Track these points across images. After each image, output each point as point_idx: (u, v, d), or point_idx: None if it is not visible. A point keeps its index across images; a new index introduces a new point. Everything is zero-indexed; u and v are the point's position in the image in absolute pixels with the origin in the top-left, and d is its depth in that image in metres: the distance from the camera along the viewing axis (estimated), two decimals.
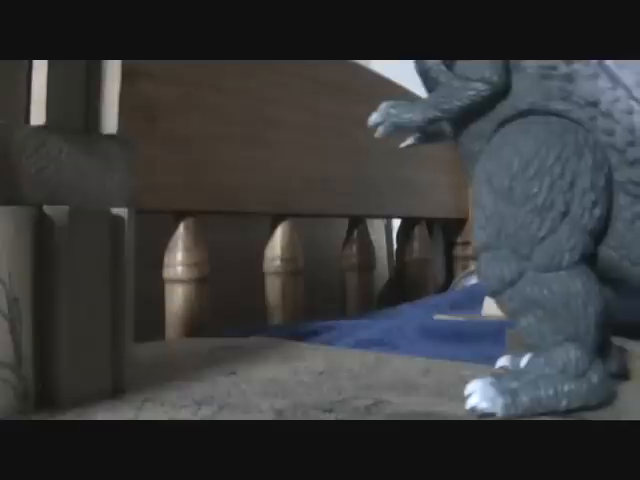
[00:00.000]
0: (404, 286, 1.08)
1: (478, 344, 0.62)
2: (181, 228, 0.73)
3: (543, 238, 0.38)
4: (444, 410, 0.39)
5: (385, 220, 1.27)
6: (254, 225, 0.88)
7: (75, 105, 0.43)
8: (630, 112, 0.39)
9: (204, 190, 0.75)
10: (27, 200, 0.39)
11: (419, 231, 1.10)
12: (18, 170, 0.39)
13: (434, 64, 0.42)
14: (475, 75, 0.40)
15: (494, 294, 0.40)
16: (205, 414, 0.38)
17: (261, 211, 0.83)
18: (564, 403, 0.38)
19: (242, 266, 0.84)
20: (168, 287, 0.73)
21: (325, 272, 1.00)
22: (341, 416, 0.38)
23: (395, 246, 1.16)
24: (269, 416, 0.38)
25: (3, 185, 0.38)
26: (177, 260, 0.73)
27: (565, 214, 0.38)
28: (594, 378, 0.38)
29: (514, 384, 0.38)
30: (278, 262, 0.83)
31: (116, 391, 0.42)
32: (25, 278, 0.38)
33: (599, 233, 0.40)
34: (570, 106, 0.40)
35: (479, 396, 0.37)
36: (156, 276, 0.73)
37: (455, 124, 0.44)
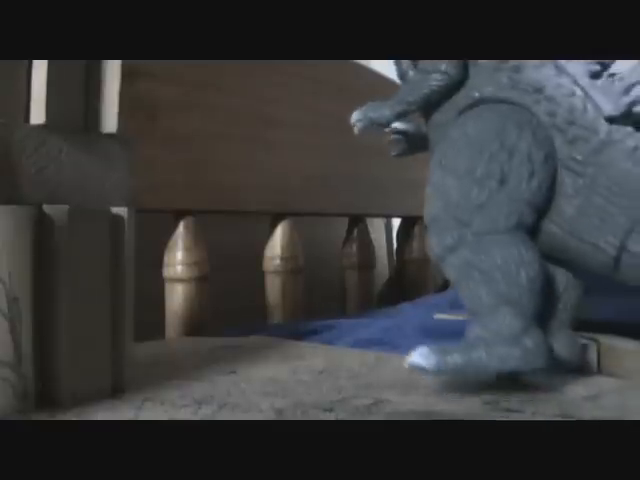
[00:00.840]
0: (404, 285, 1.08)
1: None
2: (181, 227, 0.73)
3: (481, 205, 0.41)
4: (444, 409, 0.39)
5: (385, 219, 1.27)
6: (254, 224, 0.88)
7: (75, 104, 0.43)
8: (571, 95, 0.42)
9: (204, 189, 0.75)
10: (27, 199, 0.39)
11: (419, 230, 1.10)
12: (18, 169, 0.39)
13: (408, 65, 0.46)
14: (433, 68, 0.43)
15: (438, 260, 0.42)
16: (205, 413, 0.38)
17: (261, 210, 0.83)
18: (495, 365, 0.39)
19: (242, 265, 0.84)
20: (168, 286, 0.73)
21: (325, 271, 1.00)
22: (341, 415, 0.38)
23: (395, 245, 1.16)
24: (269, 415, 0.38)
25: (3, 184, 0.38)
26: (177, 259, 0.73)
27: (502, 182, 0.41)
28: (528, 344, 0.40)
29: (450, 346, 0.40)
30: (278, 261, 0.83)
31: (116, 390, 0.42)
32: (25, 277, 0.38)
33: (541, 206, 0.42)
34: (517, 93, 0.43)
35: (415, 354, 0.39)
36: (156, 275, 0.73)
37: (424, 117, 0.47)
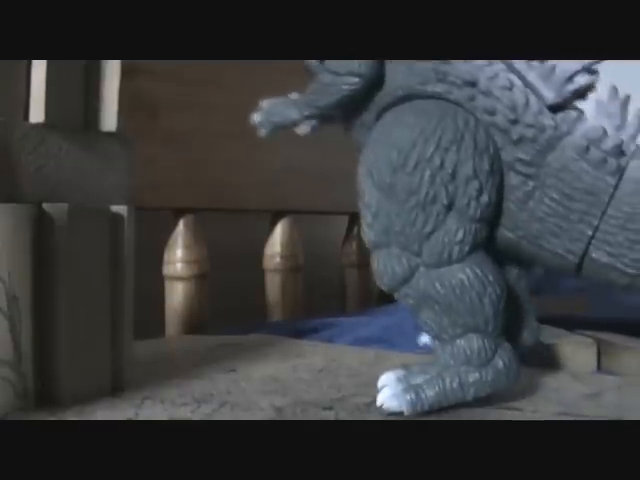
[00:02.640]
0: None
1: None
2: (181, 225, 0.73)
3: (430, 233, 0.37)
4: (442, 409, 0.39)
5: None
6: (254, 222, 0.88)
7: (74, 103, 0.43)
8: (510, 87, 0.38)
9: (204, 187, 0.75)
10: (27, 198, 0.39)
11: None
12: (18, 168, 0.39)
13: (315, 63, 0.42)
14: (344, 69, 0.40)
15: (391, 291, 0.39)
16: (205, 412, 0.38)
17: (261, 208, 0.83)
18: (471, 393, 0.38)
19: (242, 263, 0.84)
20: (168, 284, 0.73)
21: (325, 269, 1.00)
22: (341, 414, 0.38)
23: None
24: (269, 414, 0.38)
25: (3, 183, 0.38)
26: (177, 257, 0.73)
27: (450, 206, 0.38)
28: (499, 364, 0.38)
29: (420, 379, 0.38)
30: (278, 259, 0.83)
31: (116, 389, 0.42)
32: (25, 276, 0.38)
33: (492, 217, 0.39)
34: (447, 87, 0.39)
35: (387, 393, 0.37)
36: (156, 273, 0.73)
37: (342, 117, 0.43)
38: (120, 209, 0.43)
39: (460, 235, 0.37)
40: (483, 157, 0.38)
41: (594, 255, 0.38)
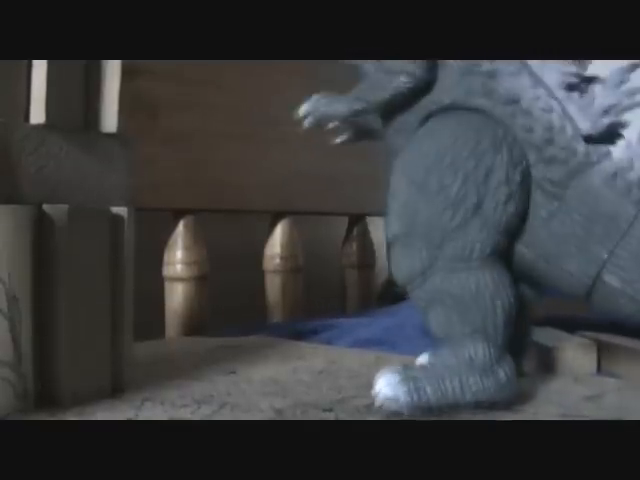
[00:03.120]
0: None
1: None
2: (181, 226, 0.73)
3: (455, 229, 0.39)
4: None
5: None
6: (254, 223, 0.88)
7: (75, 104, 0.43)
8: (549, 110, 0.40)
9: (204, 188, 0.75)
10: (27, 199, 0.39)
11: None
12: (18, 169, 0.39)
13: (366, 64, 0.43)
14: (399, 68, 0.41)
15: (405, 284, 0.40)
16: (205, 413, 0.38)
17: (261, 209, 0.83)
18: (469, 396, 0.38)
19: (242, 264, 0.84)
20: (168, 285, 0.73)
21: (325, 270, 1.00)
22: (341, 415, 0.38)
23: None
24: (269, 415, 0.38)
25: (3, 184, 0.38)
26: (177, 258, 0.73)
27: (478, 207, 0.39)
28: (501, 374, 0.38)
29: (420, 373, 0.38)
30: (278, 260, 0.83)
31: (116, 390, 0.42)
32: (25, 277, 0.38)
33: (515, 229, 0.40)
34: (491, 102, 0.40)
35: (384, 383, 0.37)
36: (156, 274, 0.73)
37: (384, 118, 0.44)
38: (120, 210, 0.43)
39: (483, 236, 0.39)
40: (516, 169, 0.39)
41: (606, 278, 0.39)
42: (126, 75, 0.44)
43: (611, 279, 0.39)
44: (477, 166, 0.39)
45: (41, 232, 0.39)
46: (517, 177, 0.39)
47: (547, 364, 0.57)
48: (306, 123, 0.42)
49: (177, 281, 0.73)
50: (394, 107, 0.42)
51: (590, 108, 0.39)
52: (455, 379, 0.38)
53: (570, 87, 0.40)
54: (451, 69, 0.41)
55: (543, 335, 0.61)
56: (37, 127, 0.40)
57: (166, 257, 0.73)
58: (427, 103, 0.42)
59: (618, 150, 0.40)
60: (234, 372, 0.49)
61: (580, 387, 0.45)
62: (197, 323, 0.73)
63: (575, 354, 0.57)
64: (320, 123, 0.42)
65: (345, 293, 0.98)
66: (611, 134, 0.39)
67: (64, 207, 0.39)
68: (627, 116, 0.39)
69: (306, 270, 0.86)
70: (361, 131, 0.48)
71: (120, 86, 0.44)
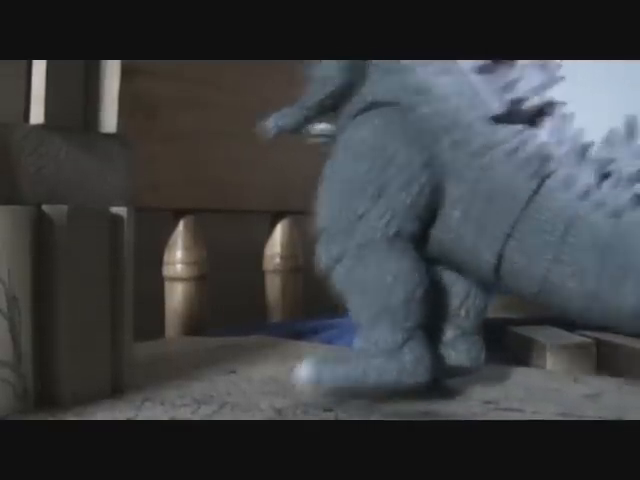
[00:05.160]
0: None
1: None
2: (181, 226, 0.73)
3: (362, 215, 0.40)
4: (442, 408, 0.39)
5: None
6: (254, 223, 0.88)
7: (74, 104, 0.43)
8: (459, 94, 0.40)
9: (204, 188, 0.75)
10: (26, 199, 0.39)
11: None
12: (17, 169, 0.39)
13: (306, 67, 0.44)
14: (321, 73, 0.43)
15: (326, 270, 0.41)
16: (205, 413, 0.38)
17: (261, 209, 0.83)
18: (373, 377, 0.38)
19: (242, 264, 0.84)
20: (168, 285, 0.73)
21: None
22: (341, 415, 0.38)
23: None
24: (269, 415, 0.38)
25: (2, 184, 0.38)
26: (177, 258, 0.72)
27: (381, 191, 0.40)
28: (407, 357, 0.38)
29: (333, 357, 0.39)
30: (278, 260, 0.83)
31: (116, 390, 0.42)
32: (24, 277, 0.38)
33: (425, 213, 0.40)
34: (405, 94, 0.41)
35: (300, 367, 0.39)
36: (156, 274, 0.73)
37: (332, 121, 0.46)
38: (120, 210, 0.43)
39: (386, 219, 0.39)
40: (421, 153, 0.40)
41: (509, 256, 0.38)
42: (126, 75, 0.44)
43: (514, 256, 0.38)
44: (380, 154, 0.40)
45: (41, 232, 0.39)
46: (421, 161, 0.40)
47: (547, 363, 0.57)
48: (267, 136, 0.45)
49: (177, 281, 0.73)
50: (329, 109, 0.44)
51: (495, 86, 0.39)
52: (361, 362, 0.38)
53: (482, 70, 0.40)
54: (375, 68, 0.42)
55: (543, 334, 0.61)
56: (36, 127, 0.40)
57: (166, 257, 0.73)
58: (355, 103, 0.43)
59: (522, 128, 0.39)
60: (234, 372, 0.49)
61: (580, 386, 0.45)
62: (197, 323, 0.73)
63: (575, 352, 0.57)
64: (277, 135, 0.45)
65: None
66: (518, 114, 0.39)
67: (63, 207, 0.39)
68: (532, 94, 0.39)
69: (306, 270, 0.86)
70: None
71: (120, 86, 0.44)
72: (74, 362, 0.39)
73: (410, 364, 0.38)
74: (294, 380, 0.39)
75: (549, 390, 0.44)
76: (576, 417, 0.38)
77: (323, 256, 0.41)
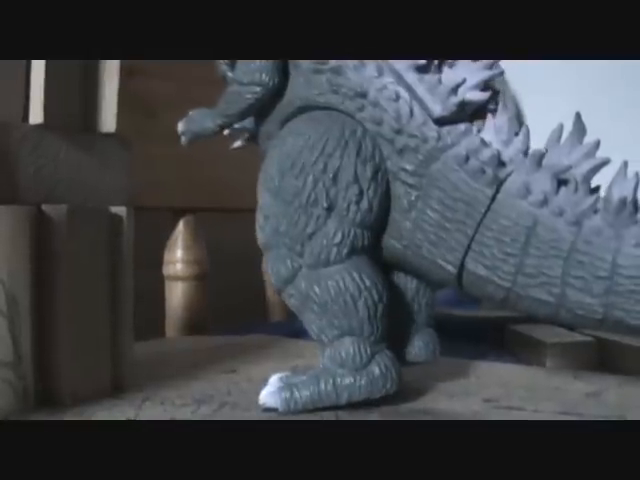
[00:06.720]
0: None
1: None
2: (181, 225, 0.73)
3: (311, 235, 0.38)
4: (444, 408, 0.39)
5: None
6: (254, 222, 0.88)
7: (73, 104, 0.43)
8: (397, 99, 0.39)
9: (204, 187, 0.75)
10: (26, 199, 0.39)
11: None
12: (17, 169, 0.39)
13: (225, 66, 0.44)
14: (247, 78, 0.41)
15: (278, 291, 0.40)
16: (205, 412, 0.38)
17: None
18: (344, 397, 0.38)
19: (242, 263, 0.84)
20: (168, 284, 0.73)
21: None
22: (340, 414, 0.38)
23: None
24: (269, 415, 0.38)
25: (2, 184, 0.38)
26: (177, 257, 0.72)
27: (330, 209, 0.38)
28: (375, 370, 0.38)
29: (297, 379, 0.39)
30: None
31: (116, 389, 0.42)
32: (24, 277, 0.38)
33: (379, 224, 0.39)
34: (339, 98, 0.40)
35: (266, 391, 0.38)
36: (156, 273, 0.73)
37: (253, 127, 0.45)
38: (119, 210, 0.43)
39: (338, 237, 0.38)
40: (366, 165, 0.39)
41: (470, 267, 0.38)
42: (124, 75, 0.44)
43: (475, 267, 0.38)
44: (325, 169, 0.38)
45: (40, 232, 0.39)
46: (368, 173, 0.39)
47: (547, 361, 0.57)
48: (183, 141, 0.44)
49: (177, 280, 0.73)
50: (252, 115, 0.43)
51: (438, 89, 0.38)
52: (329, 382, 0.38)
53: (420, 69, 0.39)
54: (300, 69, 0.41)
55: (542, 332, 0.61)
56: (36, 127, 0.40)
57: (166, 256, 0.73)
58: (282, 108, 0.42)
59: (466, 127, 0.38)
60: (234, 371, 0.49)
61: (580, 384, 0.45)
62: (197, 322, 0.73)
63: (575, 350, 0.57)
64: (193, 141, 0.44)
65: None
66: (461, 114, 0.38)
67: (63, 207, 0.39)
68: (474, 94, 0.38)
69: None
70: (253, 136, 0.48)
71: (119, 86, 0.44)
72: (74, 362, 0.39)
73: (380, 378, 0.38)
74: (261, 403, 0.38)
75: (549, 388, 0.44)
76: (577, 415, 0.38)
77: (272, 275, 0.40)
